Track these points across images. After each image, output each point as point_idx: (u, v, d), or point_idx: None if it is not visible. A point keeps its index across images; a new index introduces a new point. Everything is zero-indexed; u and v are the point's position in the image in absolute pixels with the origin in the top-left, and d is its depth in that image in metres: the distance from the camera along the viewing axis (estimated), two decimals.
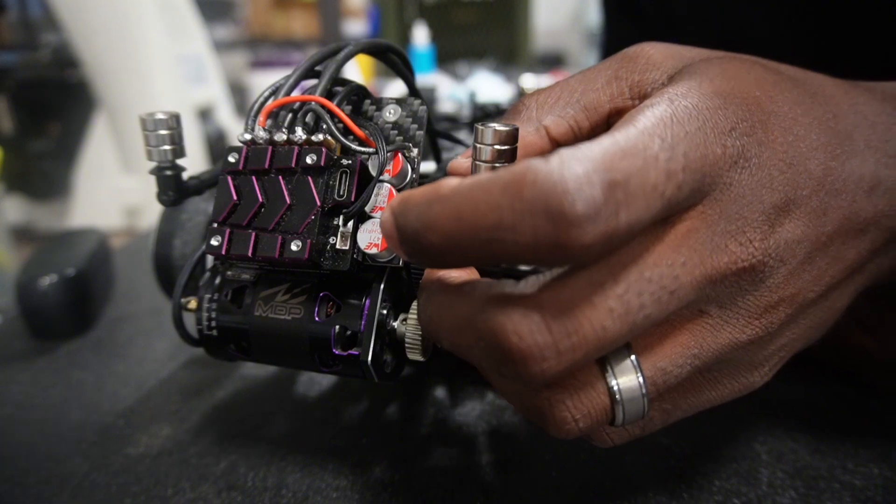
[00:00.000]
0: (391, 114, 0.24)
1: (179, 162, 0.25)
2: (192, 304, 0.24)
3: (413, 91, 0.27)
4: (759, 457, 0.26)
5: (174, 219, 0.32)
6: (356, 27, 2.32)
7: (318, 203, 0.21)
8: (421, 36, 1.39)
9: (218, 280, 0.24)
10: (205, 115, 1.43)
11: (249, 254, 0.21)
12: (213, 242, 0.21)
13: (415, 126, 0.23)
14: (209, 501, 0.25)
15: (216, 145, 1.41)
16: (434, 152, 0.30)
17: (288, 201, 0.21)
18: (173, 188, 0.25)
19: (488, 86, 0.89)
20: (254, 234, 0.21)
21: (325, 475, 0.26)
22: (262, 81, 1.85)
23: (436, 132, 0.30)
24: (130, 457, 0.27)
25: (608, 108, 0.22)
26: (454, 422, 0.29)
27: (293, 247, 0.20)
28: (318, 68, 0.24)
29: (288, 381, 0.33)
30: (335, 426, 0.29)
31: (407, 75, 0.26)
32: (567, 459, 0.26)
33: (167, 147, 0.24)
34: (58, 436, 0.29)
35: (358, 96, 0.24)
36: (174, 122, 0.24)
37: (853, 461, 0.26)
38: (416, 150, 0.22)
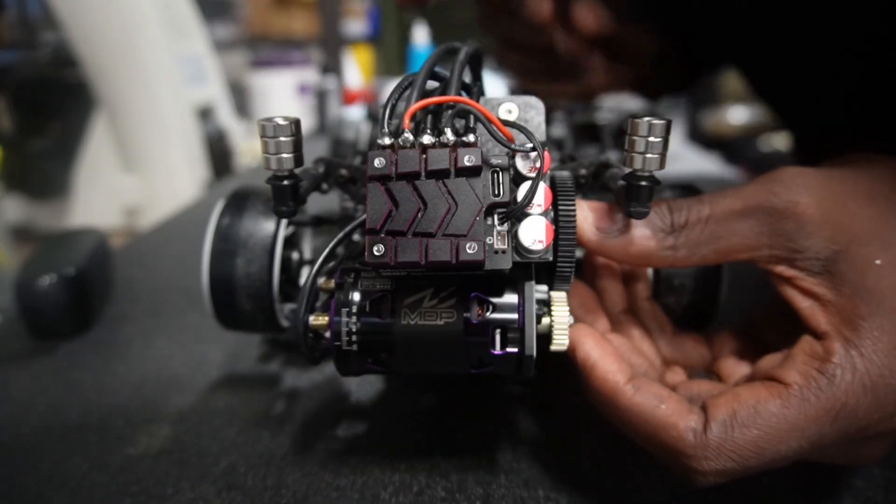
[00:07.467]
0: (510, 112, 0.24)
1: (297, 171, 0.23)
2: (321, 320, 0.23)
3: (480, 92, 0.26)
4: None
5: (232, 237, 0.29)
6: (356, 27, 2.32)
7: (482, 204, 0.20)
8: (421, 35, 1.39)
9: (357, 293, 0.23)
10: (205, 114, 1.43)
11: (420, 261, 0.20)
12: (376, 252, 0.20)
13: (538, 121, 0.23)
14: (209, 501, 0.25)
15: (216, 145, 1.41)
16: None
17: (449, 204, 0.20)
18: (292, 198, 0.23)
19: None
20: (420, 240, 0.20)
21: (325, 475, 0.26)
22: (262, 81, 1.85)
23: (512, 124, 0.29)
24: (130, 456, 0.27)
25: (743, 258, 0.23)
26: (453, 423, 0.29)
27: (469, 250, 0.20)
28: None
29: (287, 382, 0.33)
30: (335, 427, 0.29)
31: (481, 76, 0.26)
32: (567, 459, 0.26)
33: (287, 155, 0.22)
34: (58, 436, 0.29)
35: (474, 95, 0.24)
36: (294, 128, 0.22)
37: None
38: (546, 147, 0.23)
